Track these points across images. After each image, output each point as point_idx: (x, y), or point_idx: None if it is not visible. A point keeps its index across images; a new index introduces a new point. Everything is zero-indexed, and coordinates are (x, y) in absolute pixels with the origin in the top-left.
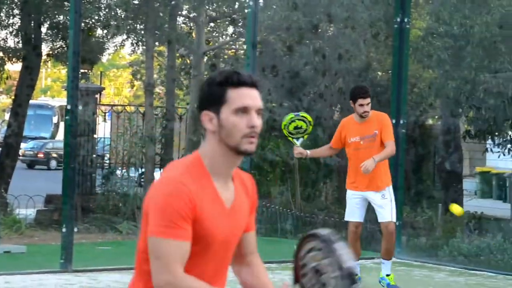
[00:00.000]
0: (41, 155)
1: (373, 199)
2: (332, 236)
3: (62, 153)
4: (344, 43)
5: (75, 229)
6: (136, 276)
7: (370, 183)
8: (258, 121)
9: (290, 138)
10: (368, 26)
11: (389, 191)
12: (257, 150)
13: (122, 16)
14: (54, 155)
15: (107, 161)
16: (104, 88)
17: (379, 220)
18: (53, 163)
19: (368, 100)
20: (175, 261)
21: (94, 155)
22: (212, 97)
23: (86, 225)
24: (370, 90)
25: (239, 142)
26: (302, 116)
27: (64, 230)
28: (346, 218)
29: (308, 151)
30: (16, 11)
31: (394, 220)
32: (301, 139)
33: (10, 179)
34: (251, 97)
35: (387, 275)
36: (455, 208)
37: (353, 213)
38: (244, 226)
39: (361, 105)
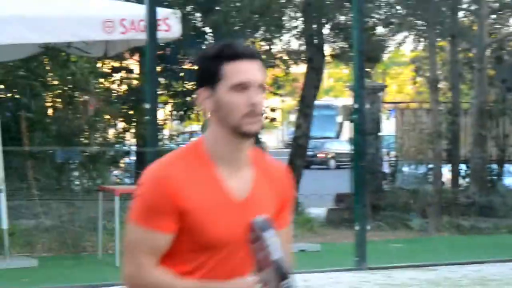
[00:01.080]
0: (321, 155)
1: None
2: (264, 223)
3: (341, 152)
4: None
5: (368, 227)
6: None
7: None
8: (259, 98)
9: None
10: None
11: None
12: None
13: (403, 13)
14: (333, 154)
15: (394, 159)
16: (386, 86)
17: None
18: (332, 163)
19: None
20: (141, 251)
21: (381, 153)
22: (206, 73)
23: (377, 223)
24: None
25: (240, 122)
26: None
27: (357, 228)
28: None
29: None
30: (298, 14)
31: None
32: None
33: (301, 178)
34: (250, 71)
35: None
36: None
37: None
38: None
39: None
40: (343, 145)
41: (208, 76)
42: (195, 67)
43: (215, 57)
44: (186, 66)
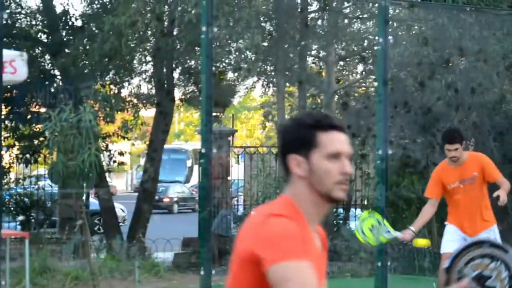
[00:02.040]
0: (166, 200)
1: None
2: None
3: (184, 197)
4: (477, 77)
5: (213, 271)
6: None
7: (479, 226)
8: (350, 168)
9: (371, 239)
10: (501, 58)
11: (495, 230)
12: (391, 187)
13: (252, 58)
14: (176, 199)
15: (242, 203)
16: (236, 131)
17: None
18: (175, 207)
19: (456, 146)
20: (314, 283)
21: (229, 197)
22: (301, 140)
23: (223, 267)
24: (462, 135)
25: (331, 188)
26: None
27: (202, 272)
28: (443, 250)
29: (412, 228)
30: (148, 58)
31: None
32: (388, 231)
33: (148, 223)
34: (342, 142)
35: None
36: (420, 242)
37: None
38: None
39: (448, 150)
40: (184, 190)
41: (303, 143)
42: (283, 134)
43: (312, 126)
44: (34, 108)
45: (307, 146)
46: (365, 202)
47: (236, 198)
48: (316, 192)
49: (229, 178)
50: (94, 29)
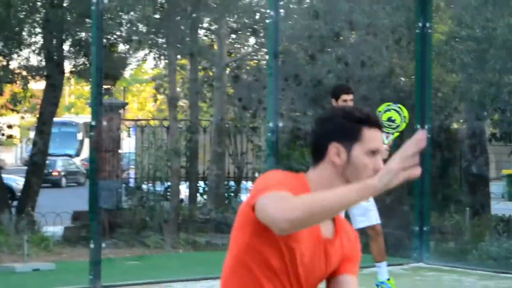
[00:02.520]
0: (55, 173)
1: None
2: None
3: (72, 170)
4: (366, 50)
5: (103, 245)
6: (230, 273)
7: None
8: (382, 166)
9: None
10: (390, 32)
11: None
12: (282, 160)
13: (144, 30)
14: (64, 173)
15: (133, 176)
16: (127, 103)
17: (367, 224)
18: (64, 181)
19: (352, 96)
20: (282, 193)
21: (120, 170)
22: (346, 131)
23: (114, 240)
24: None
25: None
26: (399, 108)
27: (92, 246)
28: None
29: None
30: (38, 30)
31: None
32: (391, 136)
33: (37, 197)
34: (381, 141)
35: (388, 280)
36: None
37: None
38: (333, 267)
39: (345, 101)
40: (72, 163)
41: (348, 135)
42: (328, 121)
43: (360, 120)
44: None
45: (351, 138)
46: (256, 175)
47: (127, 171)
48: (345, 181)
49: (120, 151)
50: None
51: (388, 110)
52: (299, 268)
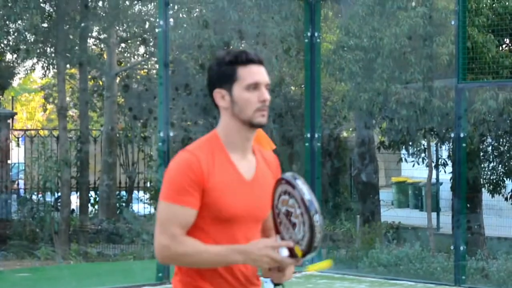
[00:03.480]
0: None
1: None
2: (293, 176)
3: None
4: None
5: None
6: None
7: None
8: (268, 95)
9: None
10: (279, 41)
11: None
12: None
13: (32, 39)
14: None
15: (22, 187)
16: (16, 113)
17: None
18: None
19: None
20: (173, 224)
21: (9, 181)
22: (223, 75)
23: (3, 253)
24: None
25: (252, 115)
26: None
27: None
28: None
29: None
30: None
31: None
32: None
33: None
34: (260, 73)
35: None
36: (317, 266)
37: None
38: (270, 199)
39: None
40: None
41: (224, 78)
42: (208, 71)
43: (231, 62)
44: None
45: (228, 80)
46: (148, 184)
47: (16, 182)
48: (239, 120)
49: (9, 161)
50: None
51: None
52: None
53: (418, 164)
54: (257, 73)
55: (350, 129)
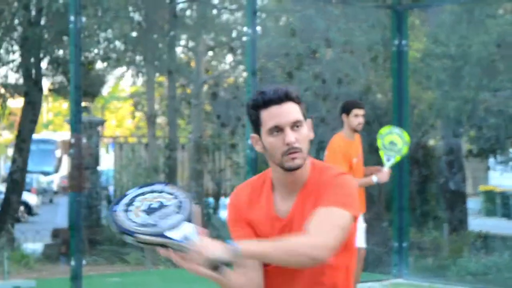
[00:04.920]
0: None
1: None
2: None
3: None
4: (343, 67)
5: (84, 262)
6: None
7: None
8: (293, 136)
9: (381, 153)
10: (366, 49)
11: (362, 217)
12: None
13: (122, 48)
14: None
15: (112, 193)
16: (105, 121)
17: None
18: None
19: (363, 111)
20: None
21: (99, 187)
22: (251, 121)
23: (94, 257)
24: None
25: (281, 160)
26: (401, 132)
27: (72, 263)
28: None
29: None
30: (15, 48)
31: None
32: (392, 160)
33: (16, 214)
34: (280, 114)
35: None
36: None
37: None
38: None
39: (357, 115)
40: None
41: (252, 124)
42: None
43: (254, 106)
44: None
45: (255, 126)
46: None
47: (106, 188)
48: (274, 164)
49: (98, 168)
50: None
51: (390, 133)
52: None
53: (507, 172)
54: (277, 115)
55: (438, 137)
